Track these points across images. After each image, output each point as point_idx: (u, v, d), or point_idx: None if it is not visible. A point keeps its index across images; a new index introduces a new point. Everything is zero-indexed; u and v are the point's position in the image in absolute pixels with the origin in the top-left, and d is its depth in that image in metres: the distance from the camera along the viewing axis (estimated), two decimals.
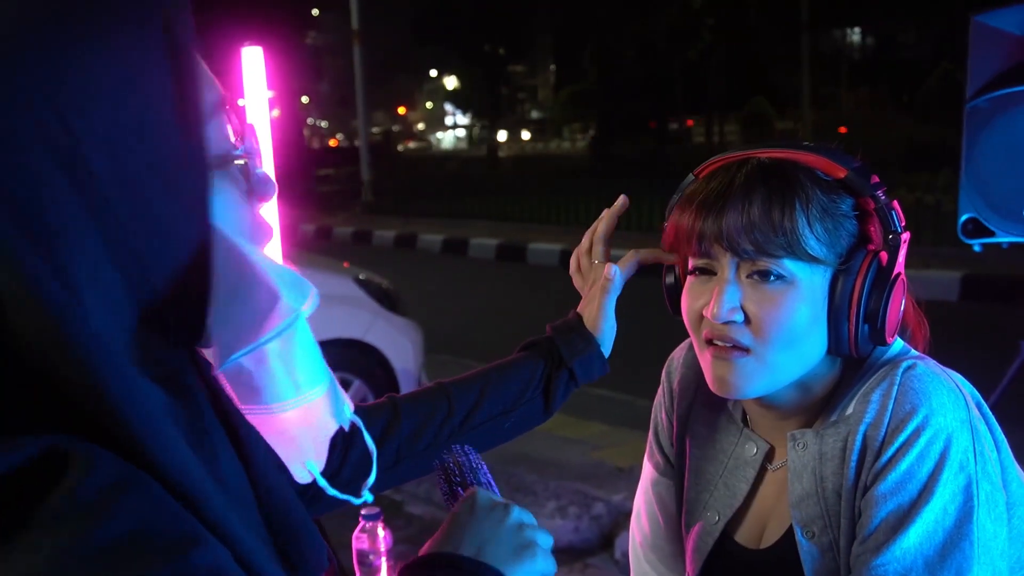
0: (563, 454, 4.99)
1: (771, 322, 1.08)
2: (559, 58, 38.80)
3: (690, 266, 1.15)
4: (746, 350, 1.10)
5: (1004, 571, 1.08)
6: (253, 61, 2.26)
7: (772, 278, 1.08)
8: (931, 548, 1.04)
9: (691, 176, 1.19)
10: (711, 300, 1.10)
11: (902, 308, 1.14)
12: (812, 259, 1.08)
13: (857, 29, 34.55)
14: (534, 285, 10.95)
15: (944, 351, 1.23)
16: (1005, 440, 1.12)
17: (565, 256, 11.94)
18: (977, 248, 3.28)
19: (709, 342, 1.12)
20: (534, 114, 50.02)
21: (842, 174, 1.10)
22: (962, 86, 3.29)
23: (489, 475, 1.02)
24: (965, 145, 3.25)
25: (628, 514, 4.05)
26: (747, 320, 1.09)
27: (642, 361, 5.98)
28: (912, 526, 1.04)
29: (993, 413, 1.13)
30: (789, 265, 1.08)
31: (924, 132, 17.31)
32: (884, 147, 15.21)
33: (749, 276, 1.09)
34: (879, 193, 1.11)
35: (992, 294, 7.46)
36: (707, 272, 1.12)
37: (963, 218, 3.25)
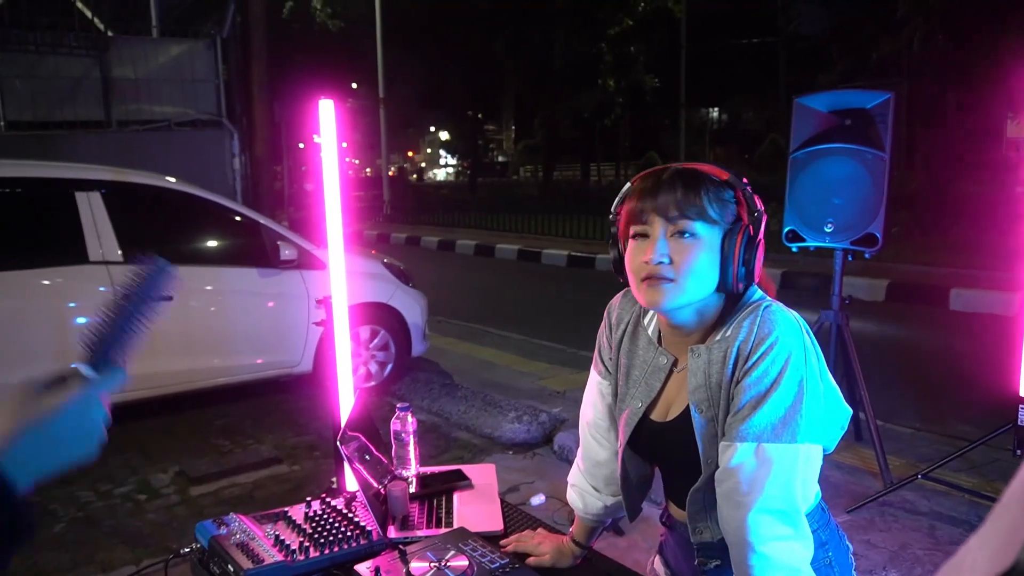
0: (520, 382, 4.98)
1: (685, 263, 1.12)
2: (518, 121, 38.62)
3: (631, 233, 1.16)
4: (671, 280, 1.13)
5: (820, 436, 1.12)
6: (327, 110, 2.26)
7: (687, 235, 1.12)
8: (776, 419, 1.08)
9: (629, 184, 1.22)
10: (648, 251, 1.13)
11: (762, 263, 1.18)
12: (712, 223, 1.12)
13: (716, 109, 34.76)
14: (500, 273, 10.97)
15: None
16: (823, 356, 1.15)
17: (522, 254, 12.01)
18: (794, 250, 3.37)
19: (645, 279, 1.14)
20: (500, 158, 49.69)
21: (725, 176, 1.15)
22: (784, 148, 3.36)
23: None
24: (788, 182, 3.33)
25: (564, 421, 4.10)
26: (671, 262, 1.13)
27: (573, 323, 6.04)
28: (765, 405, 1.08)
29: None
30: (698, 226, 1.12)
31: (759, 179, 17.44)
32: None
33: (672, 236, 1.13)
34: (747, 188, 1.16)
35: (800, 285, 7.63)
36: (643, 236, 1.15)
37: (786, 230, 3.34)
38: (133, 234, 4.20)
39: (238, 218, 4.63)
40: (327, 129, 2.24)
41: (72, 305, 3.99)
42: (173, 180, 4.52)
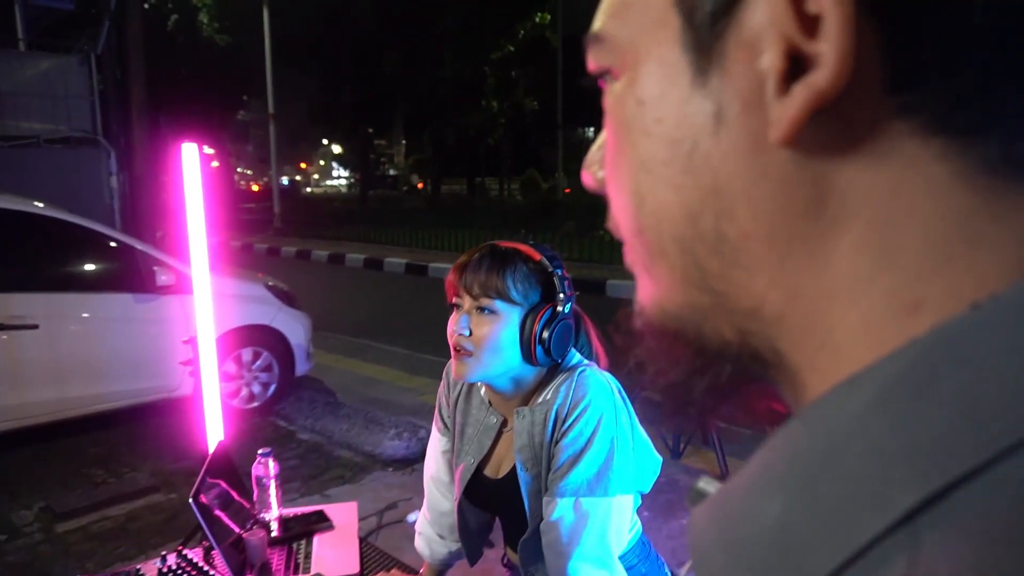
0: (401, 398, 4.91)
1: (481, 337, 1.14)
2: (408, 136, 38.28)
3: (452, 303, 1.20)
4: (470, 353, 1.15)
5: (631, 485, 1.16)
6: (190, 153, 2.17)
7: (485, 311, 1.14)
8: (591, 474, 1.12)
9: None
10: (451, 322, 1.16)
11: (572, 338, 1.19)
12: (512, 303, 1.14)
13: (592, 128, 35.87)
14: (388, 287, 10.82)
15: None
16: (634, 413, 1.19)
17: (409, 268, 11.90)
18: None
19: (453, 350, 1.17)
20: (391, 171, 49.05)
21: (537, 258, 1.17)
22: None
23: None
24: None
25: None
26: (471, 335, 1.15)
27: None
28: (581, 462, 1.12)
29: None
30: (498, 304, 1.13)
31: None
32: (600, 199, 15.91)
33: (476, 311, 1.15)
34: (558, 271, 1.17)
35: None
36: (458, 307, 1.18)
37: None
38: None
39: (112, 243, 4.33)
40: (190, 172, 2.15)
41: None
42: (40, 205, 4.18)
